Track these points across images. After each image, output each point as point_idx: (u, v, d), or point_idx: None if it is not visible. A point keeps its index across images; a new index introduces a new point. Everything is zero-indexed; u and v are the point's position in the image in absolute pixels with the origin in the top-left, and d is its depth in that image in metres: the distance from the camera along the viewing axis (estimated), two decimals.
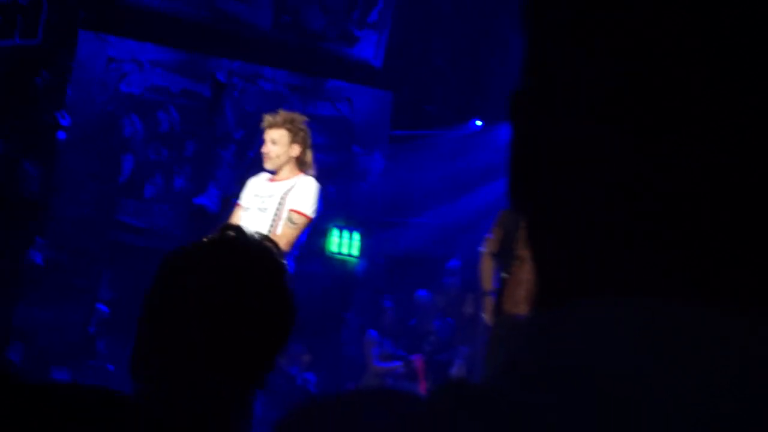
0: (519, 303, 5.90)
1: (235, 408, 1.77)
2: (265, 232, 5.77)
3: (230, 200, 6.44)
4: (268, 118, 6.19)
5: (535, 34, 0.74)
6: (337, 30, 10.40)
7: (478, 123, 10.85)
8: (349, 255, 10.01)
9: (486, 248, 6.53)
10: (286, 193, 6.03)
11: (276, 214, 5.99)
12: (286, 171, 6.15)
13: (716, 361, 0.60)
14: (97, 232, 9.35)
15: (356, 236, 9.93)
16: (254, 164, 6.93)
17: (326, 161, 7.95)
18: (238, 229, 1.90)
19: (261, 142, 6.28)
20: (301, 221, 5.98)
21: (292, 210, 5.98)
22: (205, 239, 1.90)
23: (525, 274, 5.93)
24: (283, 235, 5.88)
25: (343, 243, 9.93)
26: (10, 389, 1.40)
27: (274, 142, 6.11)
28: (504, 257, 6.23)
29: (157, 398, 1.74)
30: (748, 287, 0.63)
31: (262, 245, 1.88)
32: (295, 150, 6.12)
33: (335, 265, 9.96)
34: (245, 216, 6.05)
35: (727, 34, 0.64)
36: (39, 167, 8.09)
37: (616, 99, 0.66)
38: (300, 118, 6.24)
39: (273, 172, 6.21)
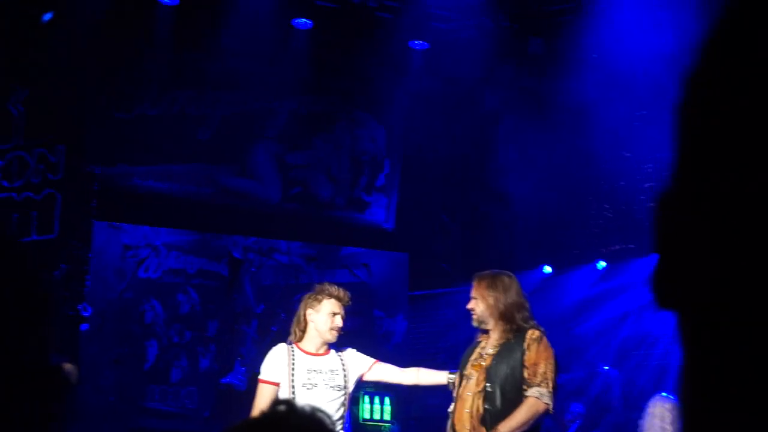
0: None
1: None
2: (339, 408, 5.69)
3: (258, 377, 6.30)
4: (347, 296, 6.07)
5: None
6: (345, 197, 10.49)
7: None
8: (382, 420, 9.84)
9: None
10: (344, 365, 5.97)
11: (345, 388, 5.92)
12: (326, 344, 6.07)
13: None
14: (123, 419, 9.23)
15: (387, 401, 9.79)
16: (277, 338, 6.86)
17: (348, 327, 7.86)
18: (288, 403, 1.84)
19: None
20: None
21: (376, 362, 6.07)
22: (254, 417, 1.84)
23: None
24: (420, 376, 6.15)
25: (375, 409, 9.77)
26: None
27: (344, 318, 6.01)
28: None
29: None
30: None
31: (316, 418, 1.83)
32: None
33: None
34: (306, 394, 5.74)
35: None
36: (62, 360, 8.02)
37: None
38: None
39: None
